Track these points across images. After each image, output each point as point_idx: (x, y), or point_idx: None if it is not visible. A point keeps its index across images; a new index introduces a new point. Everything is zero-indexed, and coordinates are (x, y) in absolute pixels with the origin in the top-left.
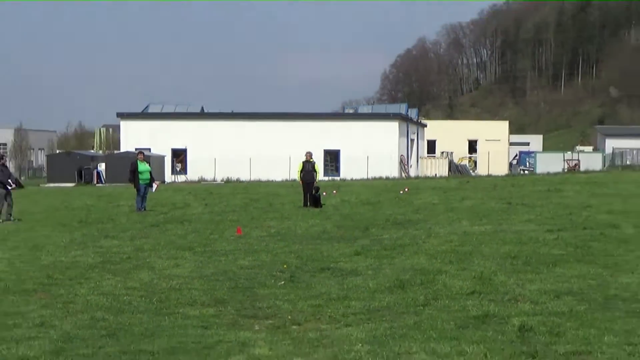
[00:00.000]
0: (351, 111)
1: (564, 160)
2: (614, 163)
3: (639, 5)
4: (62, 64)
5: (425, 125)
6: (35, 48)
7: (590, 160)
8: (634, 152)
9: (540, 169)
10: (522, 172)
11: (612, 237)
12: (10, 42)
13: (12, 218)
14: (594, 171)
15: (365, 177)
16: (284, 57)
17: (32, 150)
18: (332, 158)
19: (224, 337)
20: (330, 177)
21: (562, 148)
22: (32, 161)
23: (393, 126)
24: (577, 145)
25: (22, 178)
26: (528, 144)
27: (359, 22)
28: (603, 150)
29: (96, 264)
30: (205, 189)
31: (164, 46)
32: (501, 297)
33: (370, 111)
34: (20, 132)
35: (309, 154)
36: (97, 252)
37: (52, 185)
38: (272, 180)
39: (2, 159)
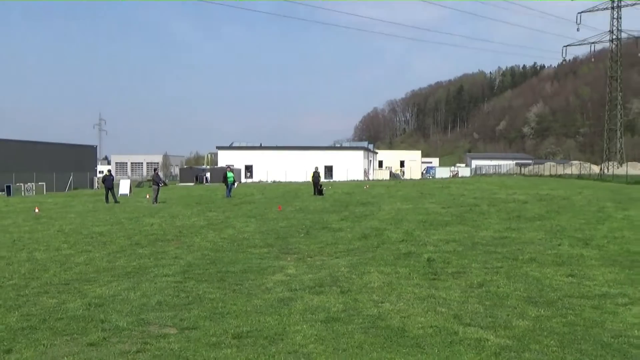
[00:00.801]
0: (338, 145)
1: (450, 171)
2: (476, 173)
3: (487, 91)
4: (184, 115)
5: (377, 153)
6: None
7: (464, 171)
8: (487, 167)
9: (438, 175)
10: (428, 177)
11: (476, 211)
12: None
13: (158, 202)
14: (466, 177)
15: (346, 179)
16: (307, 118)
17: (172, 166)
18: (329, 169)
19: (272, 264)
20: (328, 180)
21: (449, 165)
22: (172, 171)
23: (360, 153)
24: (457, 163)
25: (167, 180)
26: (431, 162)
27: (344, 98)
28: (471, 166)
29: (205, 225)
30: (262, 186)
31: (242, 107)
32: (418, 243)
33: (349, 145)
34: (165, 156)
35: (316, 167)
36: (205, 219)
37: (182, 184)
38: (297, 181)
39: (156, 170)
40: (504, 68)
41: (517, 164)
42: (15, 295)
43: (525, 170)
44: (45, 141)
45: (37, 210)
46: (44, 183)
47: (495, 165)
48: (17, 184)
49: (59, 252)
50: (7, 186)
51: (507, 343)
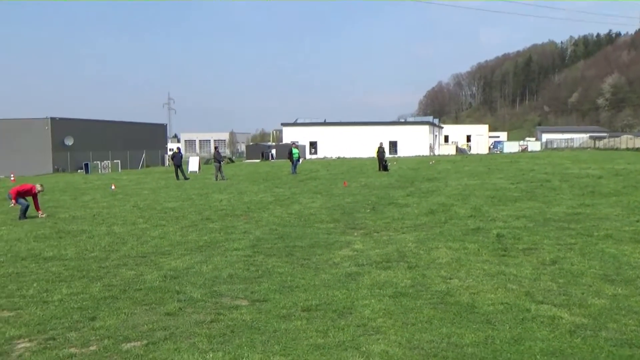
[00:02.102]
0: (403, 120)
1: (519, 145)
2: (547, 147)
3: (558, 61)
4: (253, 97)
5: (442, 127)
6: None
7: (533, 145)
8: (558, 140)
9: (506, 150)
10: (496, 152)
11: (547, 187)
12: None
13: (225, 178)
14: (535, 151)
15: (411, 155)
16: (371, 93)
17: (238, 143)
18: (393, 145)
19: (338, 238)
20: (392, 155)
21: (518, 139)
22: (239, 149)
23: (425, 128)
24: (526, 137)
25: (233, 157)
26: (499, 137)
27: (408, 72)
28: (541, 140)
29: (272, 201)
30: (327, 162)
31: (308, 90)
32: (486, 219)
33: (413, 120)
34: (232, 134)
35: (381, 143)
36: (272, 195)
37: (248, 161)
38: (362, 157)
39: (217, 148)
40: (576, 37)
41: (590, 137)
42: (97, 267)
43: (600, 144)
44: (119, 120)
45: (113, 187)
46: (119, 161)
47: (568, 139)
48: (94, 162)
49: (135, 227)
50: (85, 164)
51: (583, 321)
